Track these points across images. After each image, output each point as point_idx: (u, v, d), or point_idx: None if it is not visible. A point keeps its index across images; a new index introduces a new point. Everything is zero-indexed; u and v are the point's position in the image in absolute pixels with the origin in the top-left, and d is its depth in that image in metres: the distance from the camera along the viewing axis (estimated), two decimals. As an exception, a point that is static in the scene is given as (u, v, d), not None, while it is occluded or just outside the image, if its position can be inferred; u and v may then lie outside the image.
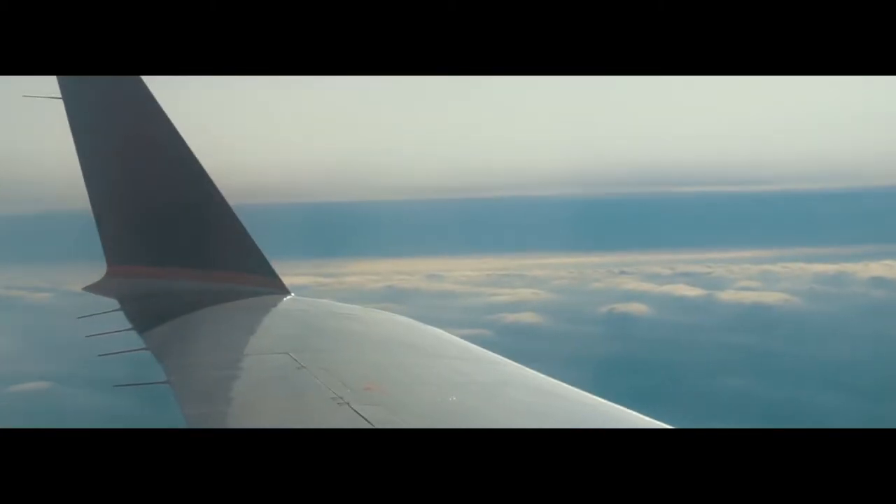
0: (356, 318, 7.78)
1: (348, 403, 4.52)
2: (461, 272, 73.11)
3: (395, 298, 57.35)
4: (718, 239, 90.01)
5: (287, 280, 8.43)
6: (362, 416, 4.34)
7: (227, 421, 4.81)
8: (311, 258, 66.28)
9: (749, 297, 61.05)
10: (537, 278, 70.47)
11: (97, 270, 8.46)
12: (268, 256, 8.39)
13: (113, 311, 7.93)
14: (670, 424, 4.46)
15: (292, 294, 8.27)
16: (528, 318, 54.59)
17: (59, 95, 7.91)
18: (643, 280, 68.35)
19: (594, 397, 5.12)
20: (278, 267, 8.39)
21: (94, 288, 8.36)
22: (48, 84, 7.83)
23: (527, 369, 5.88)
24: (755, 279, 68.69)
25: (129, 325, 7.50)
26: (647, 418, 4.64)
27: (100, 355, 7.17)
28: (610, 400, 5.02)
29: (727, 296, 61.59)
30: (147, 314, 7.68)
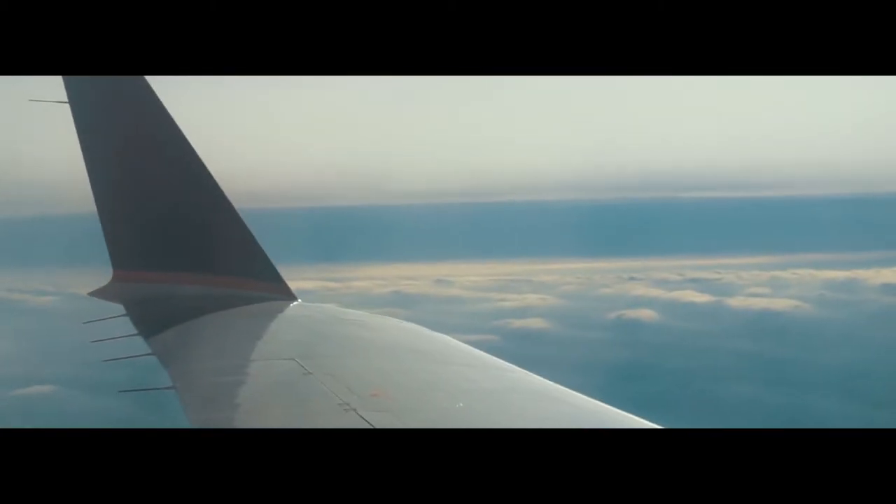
0: (362, 324, 7.76)
1: (355, 410, 4.53)
2: (469, 277, 73.18)
3: (402, 303, 57.49)
4: (728, 245, 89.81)
5: (294, 284, 8.40)
6: (369, 423, 4.34)
7: (233, 427, 4.78)
8: (318, 263, 66.48)
9: (758, 303, 60.96)
10: (545, 284, 70.49)
11: (102, 274, 8.45)
12: (274, 261, 8.36)
13: (118, 316, 7.92)
14: None
15: (299, 300, 8.23)
16: (535, 323, 54.57)
17: (66, 100, 7.89)
18: (652, 286, 68.33)
19: (601, 404, 5.09)
20: (285, 271, 8.36)
21: (99, 293, 8.35)
22: (52, 84, 7.80)
23: (534, 376, 5.84)
24: (764, 285, 68.52)
25: (134, 331, 7.48)
26: (656, 425, 4.59)
27: (105, 360, 7.16)
28: (618, 406, 4.98)
29: (736, 302, 61.48)
30: (152, 319, 7.66)
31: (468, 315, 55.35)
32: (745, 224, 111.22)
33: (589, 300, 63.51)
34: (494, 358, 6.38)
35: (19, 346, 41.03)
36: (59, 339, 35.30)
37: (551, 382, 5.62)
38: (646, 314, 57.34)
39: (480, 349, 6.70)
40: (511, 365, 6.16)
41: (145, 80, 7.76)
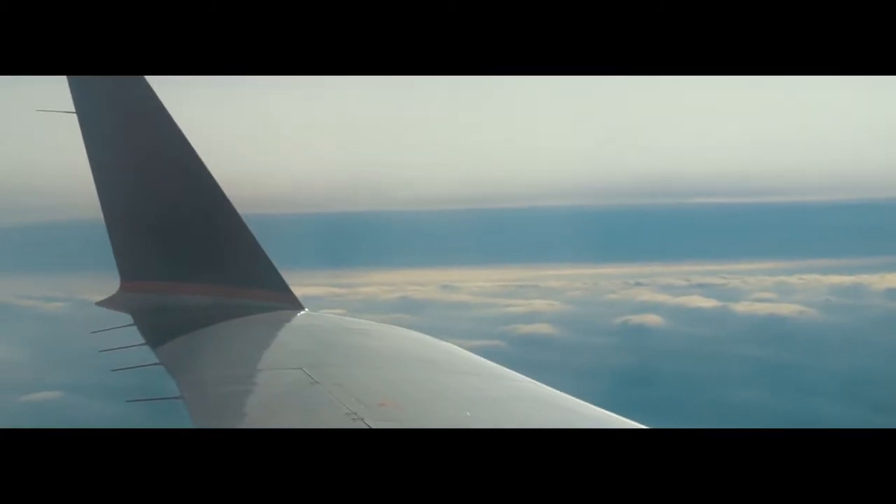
0: (369, 333, 7.78)
1: (362, 419, 4.51)
2: (475, 283, 73.16)
3: (409, 309, 57.41)
4: (734, 250, 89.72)
5: (301, 291, 8.41)
6: None
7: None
8: (325, 268, 66.45)
9: (764, 308, 60.82)
10: (552, 289, 70.43)
11: (110, 280, 8.47)
12: (281, 267, 8.36)
13: (126, 325, 7.94)
14: None
15: (306, 309, 8.25)
16: (542, 329, 54.55)
17: (73, 110, 7.92)
18: (658, 291, 68.18)
19: (607, 412, 5.08)
20: (292, 278, 8.36)
21: (107, 303, 8.37)
22: (55, 84, 7.80)
23: (541, 385, 5.84)
24: (770, 291, 68.43)
25: (141, 340, 7.50)
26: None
27: (113, 370, 7.18)
28: (624, 411, 4.98)
29: (742, 307, 61.39)
30: (160, 329, 7.68)
31: (475, 320, 55.33)
32: (751, 229, 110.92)
33: (595, 305, 63.49)
34: (500, 367, 6.39)
35: (28, 352, 41.10)
36: (68, 346, 35.30)
37: (557, 391, 5.63)
38: (652, 319, 57.30)
39: (487, 354, 6.72)
40: (517, 373, 6.17)
41: (149, 87, 7.75)
